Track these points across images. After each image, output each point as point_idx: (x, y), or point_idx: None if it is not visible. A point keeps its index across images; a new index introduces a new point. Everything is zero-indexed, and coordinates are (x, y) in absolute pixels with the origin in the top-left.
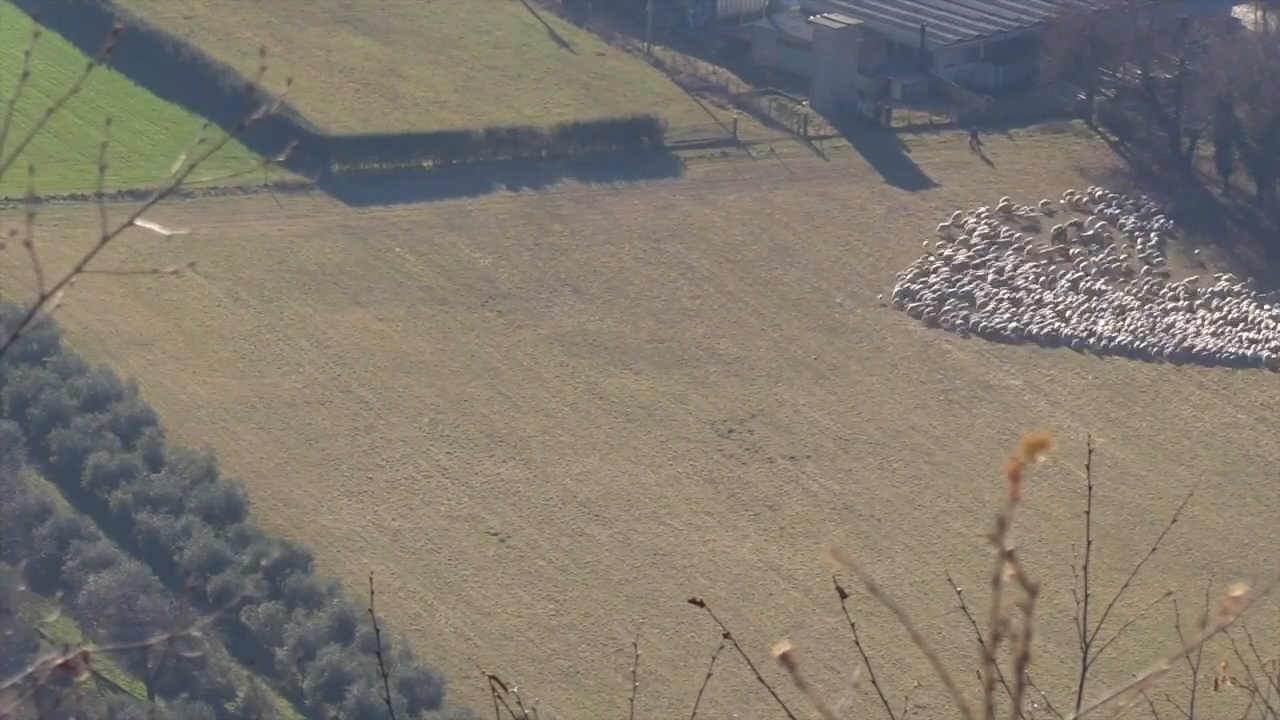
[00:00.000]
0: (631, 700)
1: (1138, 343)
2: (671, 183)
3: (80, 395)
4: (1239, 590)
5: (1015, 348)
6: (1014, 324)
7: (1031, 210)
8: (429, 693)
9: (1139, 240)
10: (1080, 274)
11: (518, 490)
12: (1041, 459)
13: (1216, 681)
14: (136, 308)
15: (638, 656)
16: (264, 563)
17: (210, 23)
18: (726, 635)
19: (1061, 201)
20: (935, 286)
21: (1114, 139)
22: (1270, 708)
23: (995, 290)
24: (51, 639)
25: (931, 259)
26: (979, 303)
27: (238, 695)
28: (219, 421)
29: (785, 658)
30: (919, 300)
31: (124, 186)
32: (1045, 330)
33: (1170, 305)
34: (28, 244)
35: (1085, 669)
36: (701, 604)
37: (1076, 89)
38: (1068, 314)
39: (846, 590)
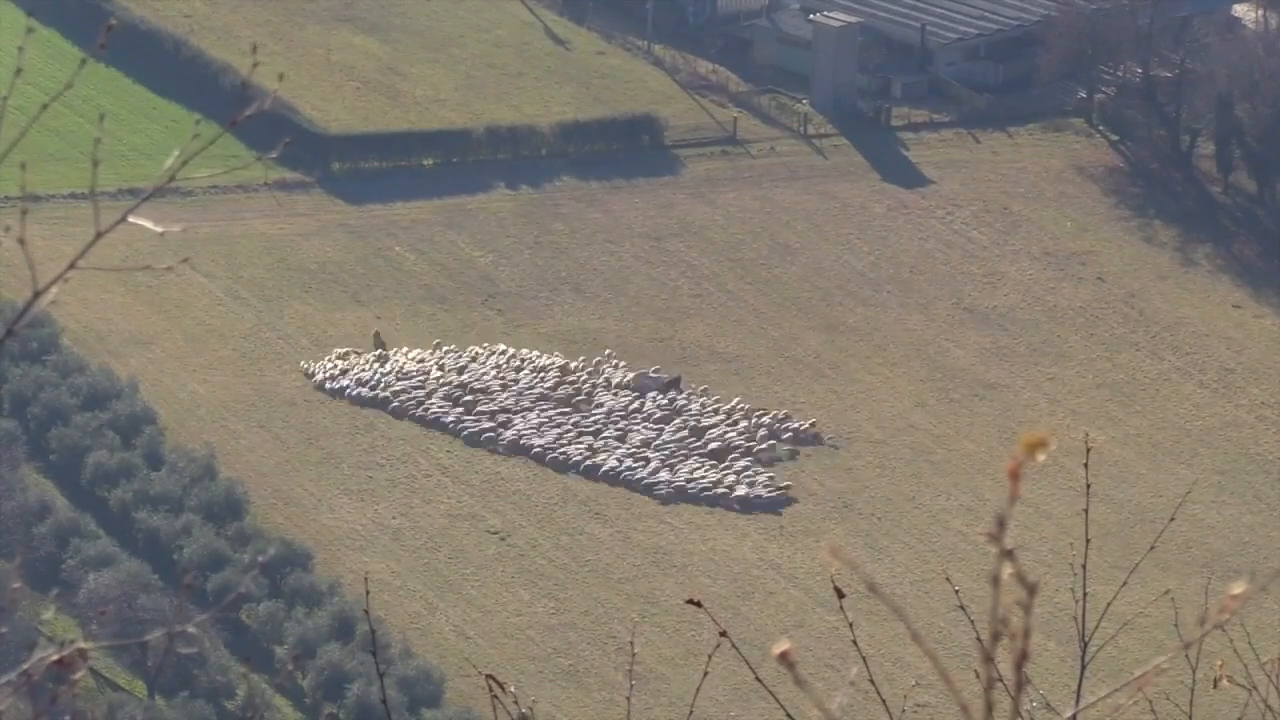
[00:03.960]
0: (630, 699)
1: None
2: (671, 181)
3: (80, 394)
4: (1238, 588)
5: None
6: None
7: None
8: (429, 691)
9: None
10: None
11: (518, 489)
12: (1042, 457)
13: (1216, 680)
14: (137, 306)
15: (636, 655)
16: (263, 561)
17: (210, 21)
18: (723, 634)
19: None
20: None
21: (1114, 137)
22: (1269, 706)
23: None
24: (50, 637)
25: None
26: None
27: (237, 693)
28: (219, 420)
29: (784, 656)
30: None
31: (123, 184)
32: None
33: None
34: (21, 241)
35: (1084, 667)
36: (699, 605)
37: (1077, 87)
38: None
39: (845, 589)
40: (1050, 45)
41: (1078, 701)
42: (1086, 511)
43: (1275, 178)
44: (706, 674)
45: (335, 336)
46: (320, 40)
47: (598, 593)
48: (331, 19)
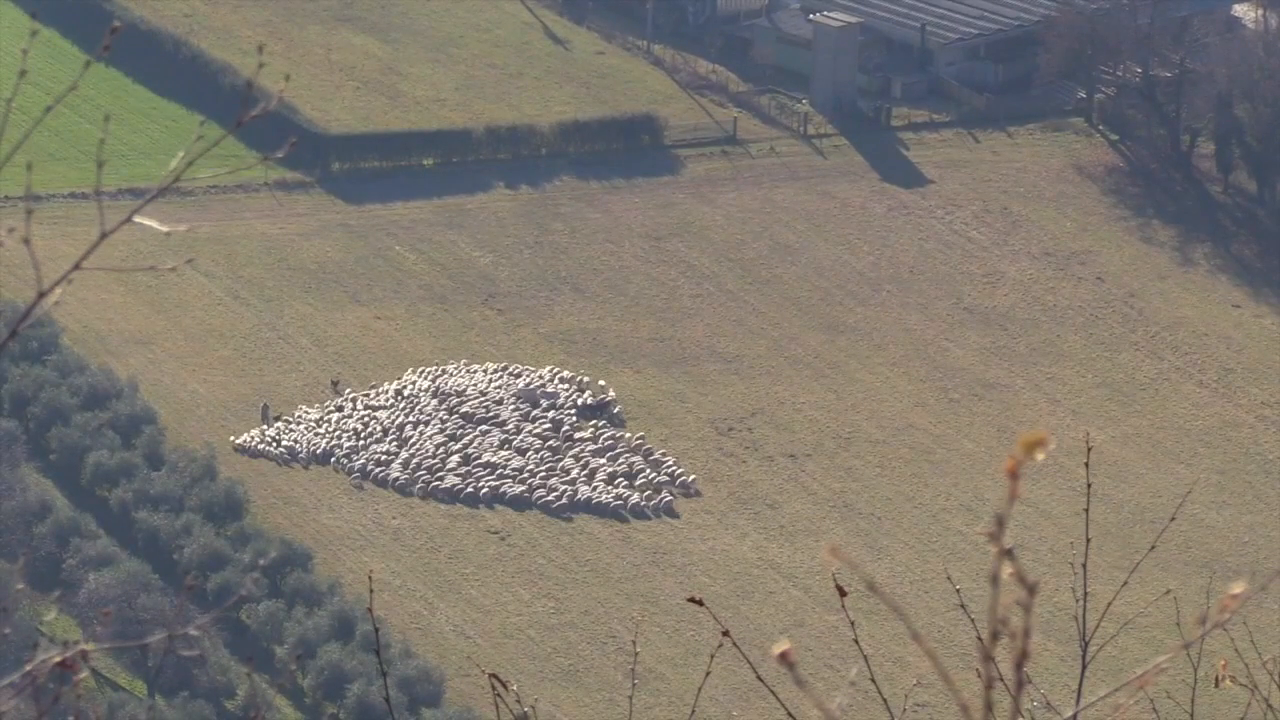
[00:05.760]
0: (631, 698)
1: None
2: (671, 181)
3: (80, 393)
4: (1238, 588)
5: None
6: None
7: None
8: (429, 691)
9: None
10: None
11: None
12: (1040, 457)
13: (1217, 679)
14: (137, 306)
15: (637, 654)
16: (264, 561)
17: (210, 21)
18: (725, 634)
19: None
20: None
21: (1114, 137)
22: (1270, 705)
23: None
24: (51, 637)
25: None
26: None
27: (238, 693)
28: (219, 420)
29: (784, 656)
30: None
31: (123, 184)
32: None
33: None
34: (26, 241)
35: (1085, 667)
36: (700, 603)
37: (1076, 87)
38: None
39: (846, 588)
40: (1050, 45)
41: (1078, 701)
42: (1087, 511)
43: (1275, 178)
44: (709, 674)
45: (334, 337)
46: (320, 40)
47: (598, 592)
48: (331, 19)
